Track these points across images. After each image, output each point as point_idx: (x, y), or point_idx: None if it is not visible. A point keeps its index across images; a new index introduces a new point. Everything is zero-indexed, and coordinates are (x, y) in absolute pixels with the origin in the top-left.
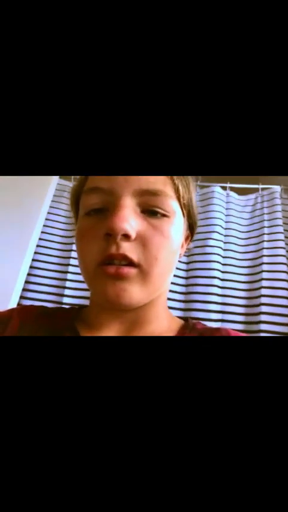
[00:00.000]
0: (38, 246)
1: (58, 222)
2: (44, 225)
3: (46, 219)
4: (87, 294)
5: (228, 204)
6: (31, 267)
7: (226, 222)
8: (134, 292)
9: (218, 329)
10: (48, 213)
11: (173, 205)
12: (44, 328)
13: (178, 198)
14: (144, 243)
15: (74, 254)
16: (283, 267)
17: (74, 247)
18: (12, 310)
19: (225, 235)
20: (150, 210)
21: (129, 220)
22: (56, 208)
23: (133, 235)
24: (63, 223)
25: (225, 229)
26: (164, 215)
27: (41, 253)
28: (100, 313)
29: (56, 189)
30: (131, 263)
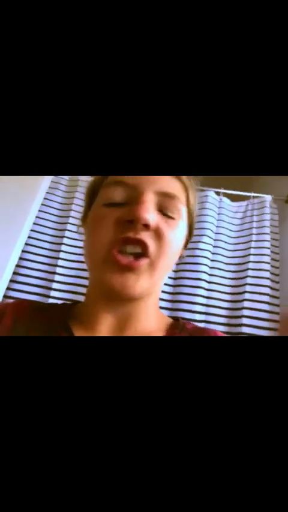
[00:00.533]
0: (29, 237)
1: (51, 214)
2: (36, 216)
3: (39, 211)
4: (74, 288)
5: (220, 209)
6: (21, 258)
7: (217, 226)
8: (138, 284)
9: (206, 330)
10: (42, 204)
11: (182, 210)
12: (37, 325)
13: (187, 205)
14: (159, 237)
15: (64, 248)
16: (266, 274)
17: (64, 240)
18: (5, 305)
19: (214, 239)
20: (164, 211)
21: (151, 213)
22: (49, 200)
23: (152, 226)
24: (56, 215)
25: (216, 233)
26: (171, 217)
27: (31, 245)
28: (93, 309)
29: (52, 181)
30: (145, 251)
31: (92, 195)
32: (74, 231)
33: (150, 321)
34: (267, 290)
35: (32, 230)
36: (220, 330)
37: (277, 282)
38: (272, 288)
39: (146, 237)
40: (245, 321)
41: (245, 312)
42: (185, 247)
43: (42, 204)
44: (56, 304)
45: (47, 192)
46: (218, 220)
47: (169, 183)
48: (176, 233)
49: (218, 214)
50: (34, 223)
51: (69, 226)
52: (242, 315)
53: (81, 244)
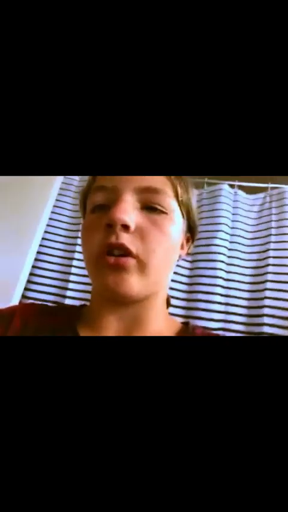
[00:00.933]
0: (40, 245)
1: (62, 221)
2: (47, 225)
3: (50, 219)
4: (88, 295)
5: (236, 203)
6: (33, 266)
7: (233, 221)
8: (133, 282)
9: (217, 335)
10: (52, 212)
11: (171, 204)
12: (45, 327)
13: (176, 197)
14: (143, 235)
15: (77, 256)
16: None
17: (77, 248)
18: (14, 308)
19: (231, 235)
20: (150, 207)
21: (129, 212)
22: (60, 207)
23: (132, 226)
24: (67, 223)
25: (232, 228)
26: (162, 212)
27: (44, 253)
28: (100, 312)
29: (60, 188)
30: (129, 254)
31: (84, 203)
32: None
33: (159, 324)
34: None
35: (43, 239)
36: (239, 329)
37: None
38: None
39: (127, 239)
40: (266, 320)
41: (267, 311)
42: (188, 243)
43: (52, 212)
44: (64, 306)
45: (57, 200)
46: (233, 214)
47: (149, 178)
48: (165, 229)
49: (234, 208)
50: (45, 232)
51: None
52: (263, 314)
53: None
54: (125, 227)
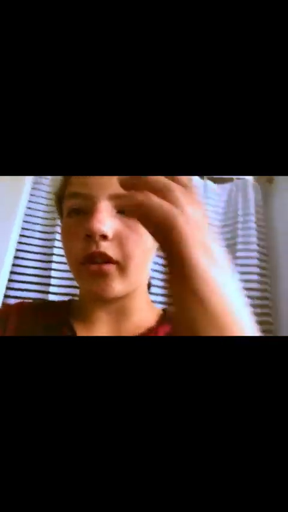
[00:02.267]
0: (19, 243)
1: (37, 216)
2: (24, 220)
3: (25, 217)
4: (71, 290)
5: (206, 193)
6: (13, 264)
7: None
8: (115, 286)
9: None
10: (26, 214)
11: None
12: (41, 324)
13: None
14: (121, 241)
15: (56, 250)
16: (254, 254)
17: (56, 243)
18: (8, 306)
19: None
20: (124, 210)
21: (106, 222)
22: (33, 209)
23: (110, 235)
24: (43, 217)
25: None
26: None
27: (22, 250)
28: (89, 307)
29: (32, 188)
30: (109, 260)
31: (58, 204)
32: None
33: (143, 313)
34: (255, 277)
35: (22, 228)
36: None
37: (266, 261)
38: (261, 268)
39: (107, 248)
40: None
41: None
42: None
43: (26, 214)
44: (55, 302)
45: (29, 201)
46: (206, 204)
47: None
48: (141, 230)
49: (205, 198)
50: (24, 221)
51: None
52: None
53: None
54: (104, 236)
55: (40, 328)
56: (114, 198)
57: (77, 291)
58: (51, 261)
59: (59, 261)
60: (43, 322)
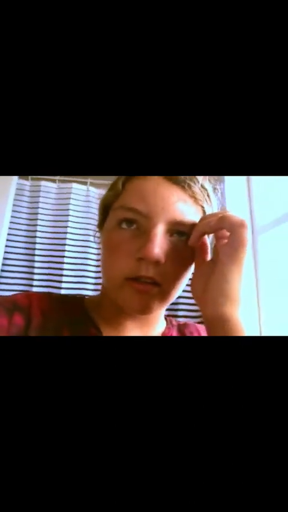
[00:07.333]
0: (6, 246)
1: (22, 218)
2: (10, 223)
3: (11, 220)
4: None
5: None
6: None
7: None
8: (153, 305)
9: (186, 324)
10: (11, 216)
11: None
12: (63, 319)
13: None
14: (170, 266)
15: (38, 252)
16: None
17: (37, 246)
18: (26, 295)
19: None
20: (179, 232)
21: (161, 247)
22: (17, 212)
23: (163, 260)
24: (25, 224)
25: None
26: (187, 235)
27: (8, 258)
28: (118, 313)
29: (18, 182)
30: (154, 282)
31: (104, 210)
32: (47, 226)
33: (160, 323)
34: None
35: (8, 234)
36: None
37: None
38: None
39: (156, 273)
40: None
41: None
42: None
43: (13, 211)
44: (71, 296)
45: (14, 204)
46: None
47: (183, 210)
48: (189, 254)
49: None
50: (9, 228)
51: (39, 222)
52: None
53: (53, 241)
54: (156, 262)
55: (63, 323)
56: (172, 223)
57: (56, 285)
58: (34, 255)
59: (40, 260)
60: (65, 318)
